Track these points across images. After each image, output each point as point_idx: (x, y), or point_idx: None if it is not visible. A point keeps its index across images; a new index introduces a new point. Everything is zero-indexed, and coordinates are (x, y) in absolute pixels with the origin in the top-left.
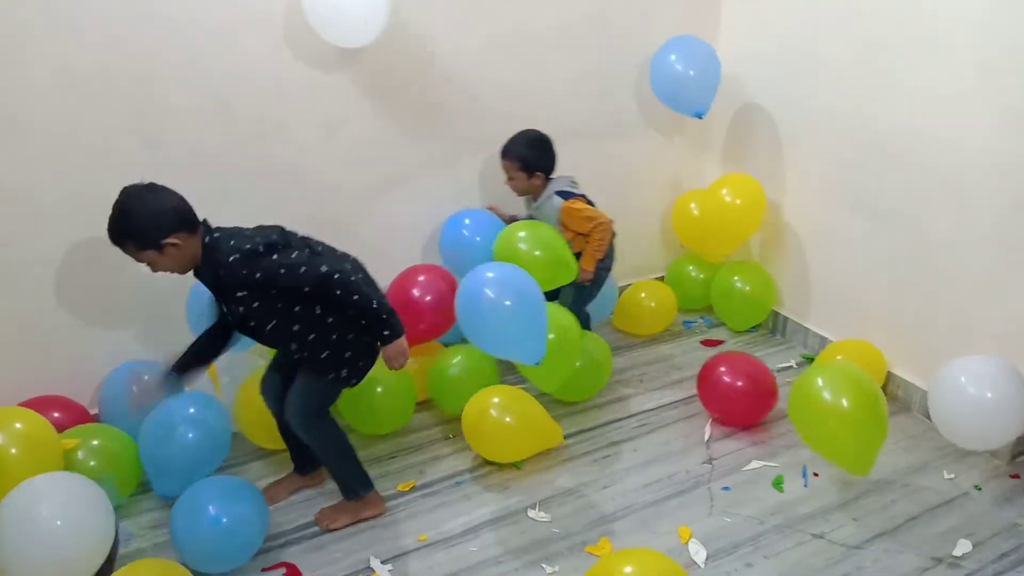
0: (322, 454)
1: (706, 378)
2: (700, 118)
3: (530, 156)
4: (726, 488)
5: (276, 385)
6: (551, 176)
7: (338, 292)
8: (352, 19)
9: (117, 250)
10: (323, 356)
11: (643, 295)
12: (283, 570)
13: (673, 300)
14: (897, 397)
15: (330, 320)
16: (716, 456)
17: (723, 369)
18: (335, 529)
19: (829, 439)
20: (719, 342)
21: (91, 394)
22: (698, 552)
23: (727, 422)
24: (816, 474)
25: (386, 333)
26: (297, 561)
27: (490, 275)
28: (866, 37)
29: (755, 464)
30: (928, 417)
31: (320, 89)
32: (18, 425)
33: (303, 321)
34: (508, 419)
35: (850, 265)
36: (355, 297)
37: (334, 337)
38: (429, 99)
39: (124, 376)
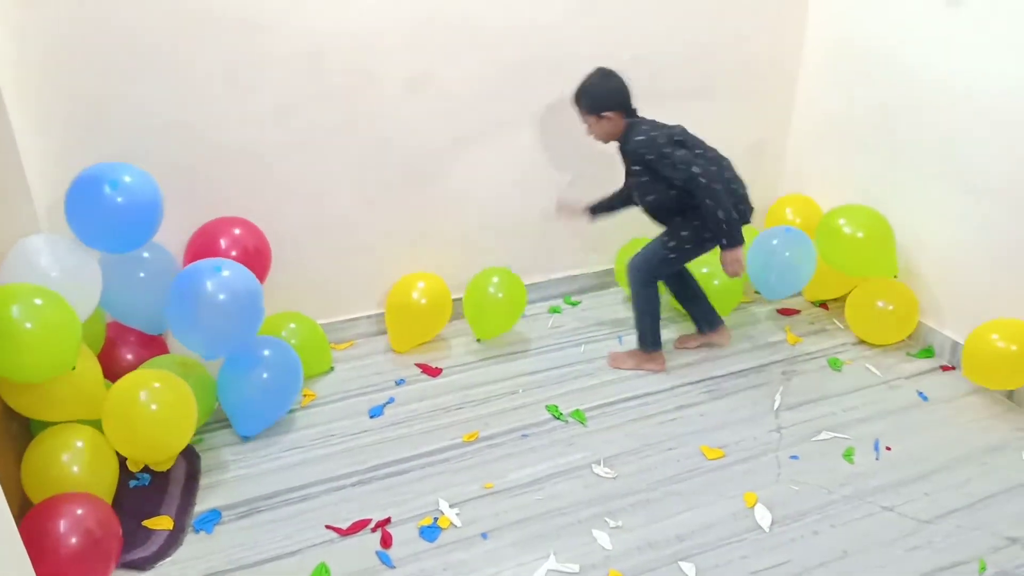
0: (634, 302)
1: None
2: None
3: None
4: (794, 457)
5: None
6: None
7: (697, 193)
8: None
9: None
10: (677, 231)
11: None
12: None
13: None
14: None
15: (690, 209)
16: (785, 425)
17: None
18: (620, 368)
19: None
20: (795, 311)
21: None
22: (764, 517)
23: None
24: (888, 448)
25: (724, 241)
26: (367, 500)
27: None
28: None
29: (825, 435)
30: (1010, 398)
31: (408, 44)
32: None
33: (673, 202)
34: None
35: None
36: (708, 202)
37: (694, 222)
38: (516, 58)
39: None
